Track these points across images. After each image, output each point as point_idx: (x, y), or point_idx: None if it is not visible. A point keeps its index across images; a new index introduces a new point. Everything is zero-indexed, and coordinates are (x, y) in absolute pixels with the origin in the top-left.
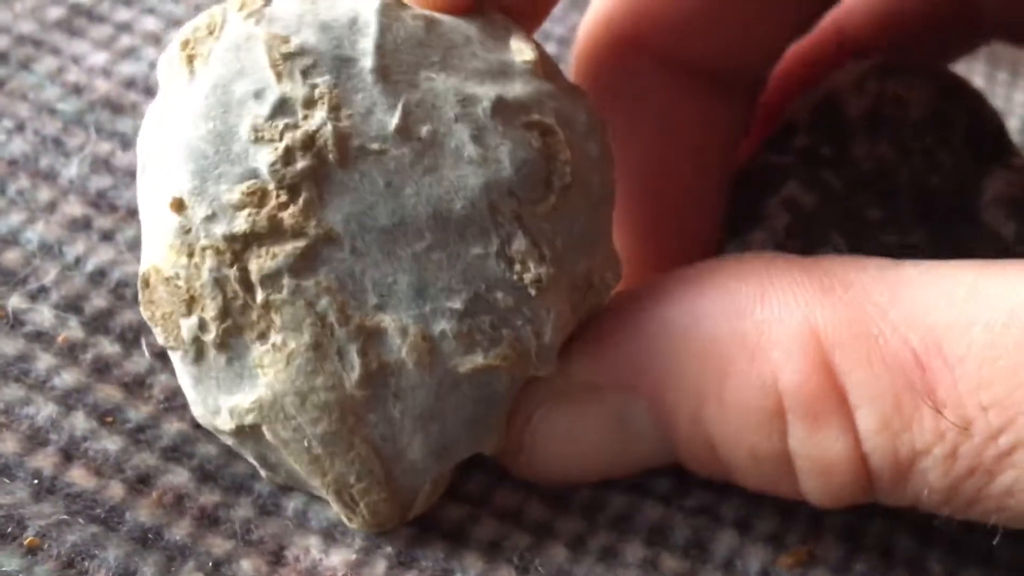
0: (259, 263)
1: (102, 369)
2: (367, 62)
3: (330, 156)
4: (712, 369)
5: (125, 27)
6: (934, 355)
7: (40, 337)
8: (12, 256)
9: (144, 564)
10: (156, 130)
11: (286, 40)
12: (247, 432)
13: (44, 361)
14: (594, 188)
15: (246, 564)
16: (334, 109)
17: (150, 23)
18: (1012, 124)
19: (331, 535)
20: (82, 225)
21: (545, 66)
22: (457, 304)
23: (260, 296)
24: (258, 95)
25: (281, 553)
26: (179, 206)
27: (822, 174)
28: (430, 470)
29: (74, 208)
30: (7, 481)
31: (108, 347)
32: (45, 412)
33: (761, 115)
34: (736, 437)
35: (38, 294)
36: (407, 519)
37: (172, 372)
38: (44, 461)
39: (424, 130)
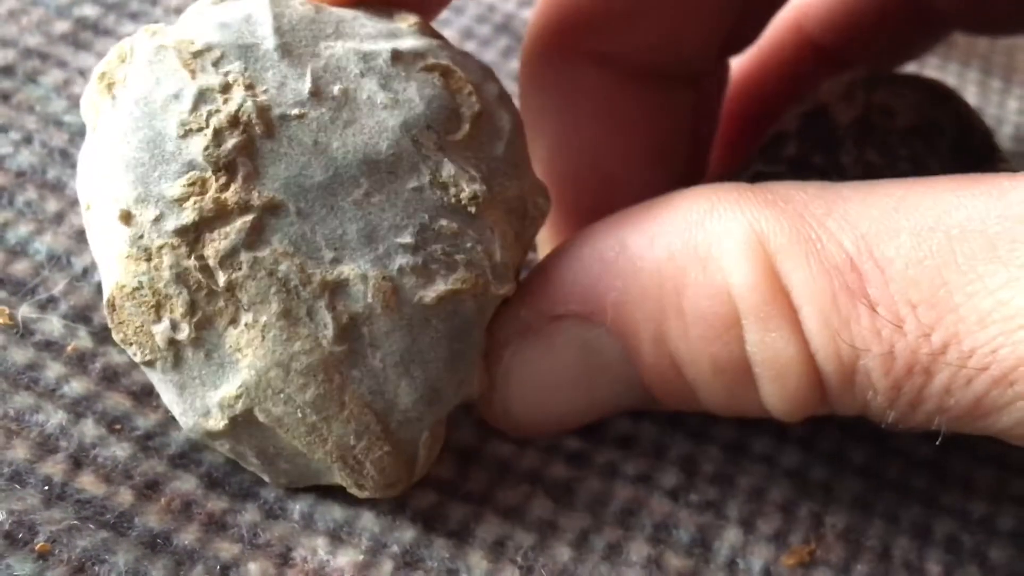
0: (214, 246)
1: (111, 378)
2: (269, 43)
3: (256, 128)
4: (669, 284)
5: None
6: (866, 258)
7: (50, 346)
8: (21, 266)
9: (153, 568)
10: (92, 164)
11: (192, 42)
12: (240, 423)
13: (54, 370)
14: (503, 120)
15: (254, 567)
16: (249, 88)
17: None
18: (1006, 131)
19: (338, 536)
20: None
21: (430, 29)
22: (407, 239)
23: (222, 278)
24: (177, 95)
25: (288, 555)
26: (127, 217)
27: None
28: (424, 418)
29: (81, 219)
30: (18, 487)
31: (116, 356)
32: (55, 420)
33: (729, 117)
34: (698, 349)
35: (47, 304)
36: (414, 478)
37: None
38: (54, 468)
39: (336, 89)
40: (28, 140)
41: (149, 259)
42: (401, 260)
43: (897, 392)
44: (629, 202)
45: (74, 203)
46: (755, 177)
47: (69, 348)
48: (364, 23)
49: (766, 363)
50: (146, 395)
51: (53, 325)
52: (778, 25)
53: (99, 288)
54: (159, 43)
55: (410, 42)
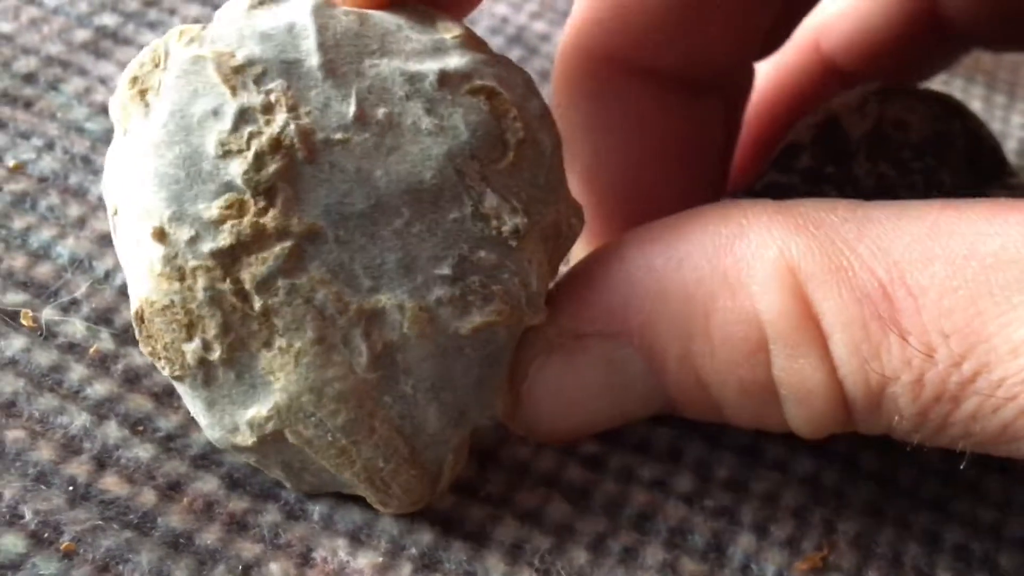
0: (251, 271)
1: (132, 379)
2: (313, 60)
3: (298, 153)
4: (697, 307)
5: None
6: (899, 286)
7: (73, 348)
8: (44, 270)
9: (176, 568)
10: (121, 170)
11: (232, 55)
12: (269, 441)
13: (77, 372)
14: (544, 144)
15: (275, 567)
16: (292, 109)
17: None
18: (1010, 146)
19: (357, 538)
20: (110, 240)
21: (474, 39)
22: (446, 270)
23: (258, 304)
24: (217, 112)
25: (309, 556)
26: (160, 235)
27: (825, 191)
28: (450, 439)
29: (103, 224)
30: (43, 488)
31: (138, 358)
32: (79, 421)
33: (751, 128)
34: (724, 371)
35: (70, 307)
36: (436, 493)
37: None
38: (78, 468)
39: (380, 113)
40: (50, 146)
41: (183, 279)
42: (439, 291)
43: (924, 418)
44: (664, 210)
45: (96, 208)
46: (768, 187)
47: (92, 350)
48: (409, 36)
49: (793, 387)
50: (167, 396)
51: (76, 327)
52: (797, 43)
53: (121, 292)
54: (196, 53)
55: (456, 60)
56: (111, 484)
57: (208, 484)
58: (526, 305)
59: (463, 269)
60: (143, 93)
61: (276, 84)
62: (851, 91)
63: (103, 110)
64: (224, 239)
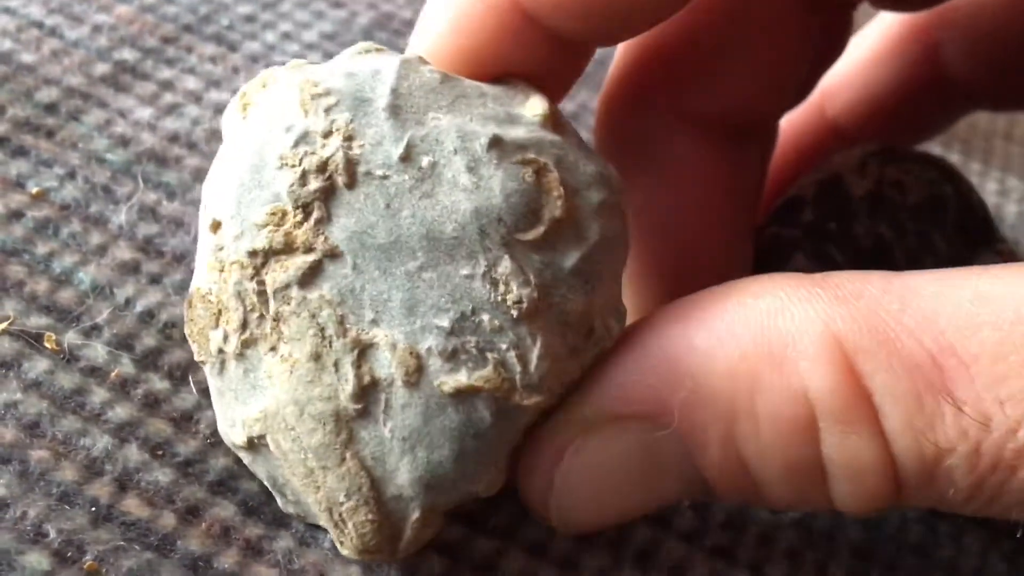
0: (274, 276)
1: (152, 404)
2: (382, 102)
3: (339, 179)
4: (742, 385)
5: (167, 85)
6: (949, 355)
7: (95, 372)
8: (67, 295)
9: None
10: (215, 171)
11: (316, 84)
12: (256, 445)
13: (99, 395)
14: (591, 231)
15: None
16: (347, 139)
17: (191, 82)
18: None
19: (369, 566)
20: (131, 269)
21: (559, 124)
22: (444, 322)
23: (273, 307)
24: (288, 129)
25: None
26: (216, 227)
27: (827, 248)
28: (418, 499)
29: (123, 252)
30: (67, 508)
31: (158, 383)
32: (101, 443)
33: None
34: (770, 451)
35: (92, 332)
36: (397, 554)
37: None
38: (101, 490)
39: (425, 161)
40: (72, 175)
41: (222, 270)
42: (432, 341)
43: (979, 489)
44: (707, 259)
45: (117, 237)
46: (773, 239)
47: (113, 374)
48: (487, 104)
49: (843, 465)
50: (185, 421)
51: (98, 352)
52: (802, 108)
53: (140, 319)
54: (291, 79)
55: (520, 132)
56: (132, 506)
57: (225, 510)
58: (520, 382)
59: (462, 326)
60: (245, 106)
61: (342, 116)
62: (852, 150)
63: (123, 141)
64: (260, 241)
